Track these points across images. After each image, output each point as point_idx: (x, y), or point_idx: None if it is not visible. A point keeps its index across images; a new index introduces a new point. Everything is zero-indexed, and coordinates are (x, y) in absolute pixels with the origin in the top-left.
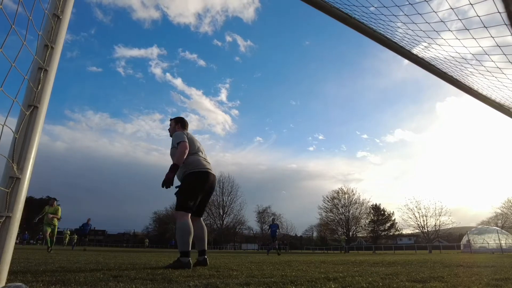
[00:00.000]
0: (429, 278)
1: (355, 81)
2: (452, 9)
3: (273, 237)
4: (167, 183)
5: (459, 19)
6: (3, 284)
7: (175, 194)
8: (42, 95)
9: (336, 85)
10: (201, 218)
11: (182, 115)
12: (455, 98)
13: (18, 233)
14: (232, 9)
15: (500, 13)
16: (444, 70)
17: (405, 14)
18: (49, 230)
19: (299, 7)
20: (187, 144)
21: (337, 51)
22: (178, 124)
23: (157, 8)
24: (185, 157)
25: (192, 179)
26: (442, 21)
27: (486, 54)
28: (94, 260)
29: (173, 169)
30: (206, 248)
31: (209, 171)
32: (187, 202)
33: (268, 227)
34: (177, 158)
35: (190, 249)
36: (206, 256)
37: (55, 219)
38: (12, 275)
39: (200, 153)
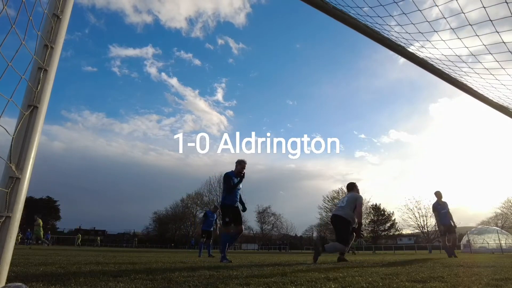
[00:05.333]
0: (429, 278)
1: (351, 82)
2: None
3: (445, 226)
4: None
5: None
6: (3, 284)
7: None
8: (42, 95)
9: (332, 85)
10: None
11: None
12: (454, 98)
13: (18, 233)
14: (224, 15)
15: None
16: (443, 70)
17: (403, 12)
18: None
19: (291, 12)
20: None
21: (331, 53)
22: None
23: (149, 13)
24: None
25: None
26: (457, 12)
27: (492, 50)
28: (94, 260)
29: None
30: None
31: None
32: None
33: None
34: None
35: None
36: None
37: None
38: (12, 275)
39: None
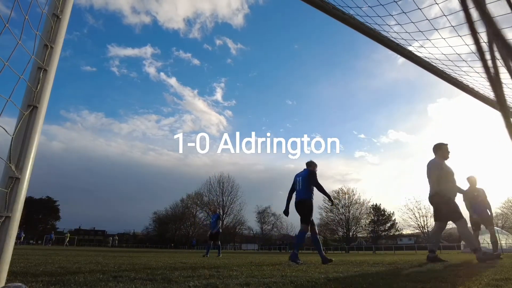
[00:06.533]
0: (429, 278)
1: (349, 82)
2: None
3: (479, 219)
4: None
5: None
6: (3, 284)
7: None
8: (41, 95)
9: (331, 85)
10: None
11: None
12: (452, 98)
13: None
14: (222, 16)
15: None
16: (444, 70)
17: (402, 11)
18: None
19: (289, 13)
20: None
21: (330, 53)
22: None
23: (147, 14)
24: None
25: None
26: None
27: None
28: (94, 260)
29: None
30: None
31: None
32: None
33: None
34: None
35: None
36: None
37: None
38: (12, 275)
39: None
